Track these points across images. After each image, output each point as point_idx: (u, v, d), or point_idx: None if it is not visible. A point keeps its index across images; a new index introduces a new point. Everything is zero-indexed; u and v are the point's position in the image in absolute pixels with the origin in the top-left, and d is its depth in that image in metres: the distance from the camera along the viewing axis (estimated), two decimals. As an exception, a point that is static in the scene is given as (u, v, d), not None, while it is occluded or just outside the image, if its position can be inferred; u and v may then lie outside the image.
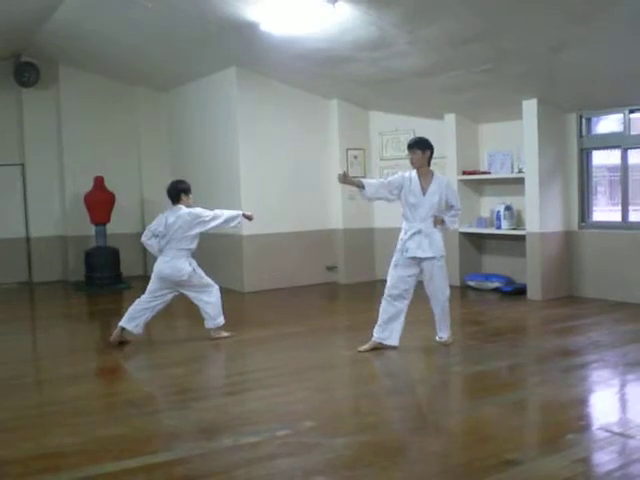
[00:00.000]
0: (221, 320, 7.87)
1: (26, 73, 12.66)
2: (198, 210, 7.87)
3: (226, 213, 8.03)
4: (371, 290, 11.40)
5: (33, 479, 4.14)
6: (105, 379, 6.84)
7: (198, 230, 7.83)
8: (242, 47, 9.92)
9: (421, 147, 6.98)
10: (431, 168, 7.16)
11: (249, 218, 8.18)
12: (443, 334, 7.16)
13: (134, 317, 7.62)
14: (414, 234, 6.95)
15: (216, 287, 7.93)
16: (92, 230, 12.69)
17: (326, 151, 12.06)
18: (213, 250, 12.30)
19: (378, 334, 7.05)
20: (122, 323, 7.61)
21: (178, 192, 7.88)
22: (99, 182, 12.53)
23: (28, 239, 13.25)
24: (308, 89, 11.67)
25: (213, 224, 7.90)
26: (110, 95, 13.41)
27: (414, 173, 7.04)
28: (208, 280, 7.94)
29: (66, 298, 11.71)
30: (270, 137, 11.51)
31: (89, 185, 12.49)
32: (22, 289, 12.75)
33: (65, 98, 13.07)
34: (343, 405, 5.71)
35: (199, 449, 4.54)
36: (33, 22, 10.46)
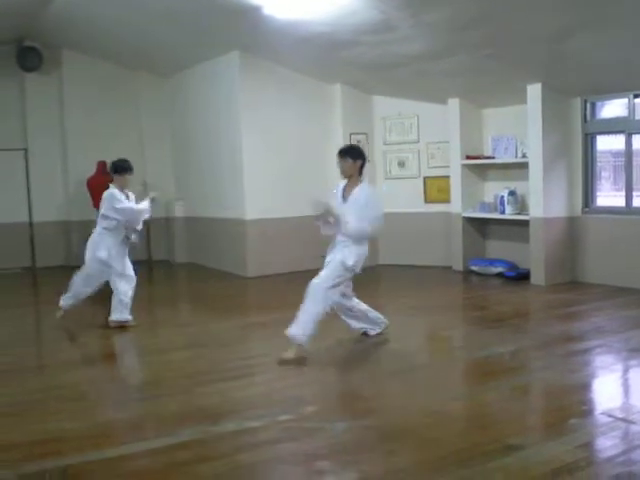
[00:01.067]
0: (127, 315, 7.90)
1: (29, 57, 12.63)
2: (113, 193, 7.96)
3: (135, 207, 8.07)
4: (374, 274, 11.39)
5: (35, 464, 4.15)
6: (107, 364, 6.83)
7: (107, 213, 7.93)
8: (245, 31, 9.88)
9: (353, 156, 6.65)
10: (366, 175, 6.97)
11: (153, 199, 8.30)
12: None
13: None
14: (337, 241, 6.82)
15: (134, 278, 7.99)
16: (95, 215, 12.65)
17: (329, 136, 12.01)
18: (216, 234, 12.33)
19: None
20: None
21: (111, 171, 8.03)
22: (102, 167, 12.50)
23: (31, 224, 13.23)
24: (311, 74, 11.63)
25: (120, 214, 7.94)
26: (113, 80, 13.37)
27: (344, 181, 6.79)
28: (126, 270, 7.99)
29: (68, 283, 11.71)
30: (273, 122, 11.47)
31: (92, 170, 12.47)
32: (25, 274, 12.76)
33: (68, 83, 13.03)
34: (345, 390, 5.72)
35: (202, 434, 4.55)
36: (36, 6, 10.41)
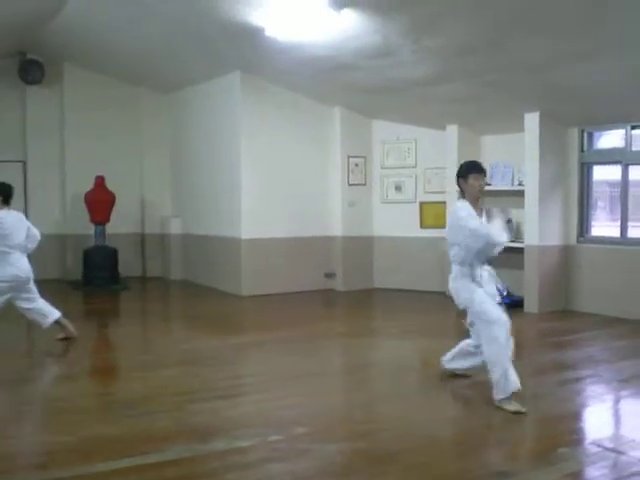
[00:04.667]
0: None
1: (31, 71, 12.69)
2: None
3: None
4: (369, 298, 11.44)
5: (21, 476, 4.14)
6: (99, 378, 6.83)
7: None
8: (247, 52, 9.95)
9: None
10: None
11: None
12: None
13: None
14: None
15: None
16: (91, 229, 12.71)
17: (327, 158, 12.07)
18: (212, 253, 12.35)
19: None
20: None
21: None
22: (100, 182, 12.55)
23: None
24: (311, 96, 11.69)
25: None
26: (113, 95, 13.43)
27: (467, 204, 5.76)
28: None
29: (63, 297, 11.69)
30: (272, 142, 11.52)
31: (90, 184, 12.51)
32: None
33: (69, 97, 13.09)
34: (336, 412, 5.71)
35: (191, 451, 4.54)
36: (39, 20, 10.48)
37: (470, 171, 5.74)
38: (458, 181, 5.84)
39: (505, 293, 5.72)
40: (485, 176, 5.90)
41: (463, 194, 5.87)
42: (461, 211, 5.65)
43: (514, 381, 5.40)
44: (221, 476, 4.18)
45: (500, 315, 5.54)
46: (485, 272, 5.78)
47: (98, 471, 4.21)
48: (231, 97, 11.48)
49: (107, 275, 12.37)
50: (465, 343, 6.21)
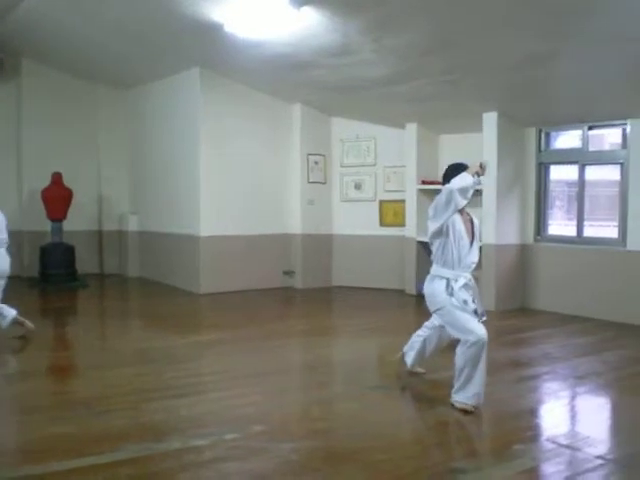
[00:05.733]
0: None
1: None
2: None
3: None
4: (327, 296, 11.45)
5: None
6: (55, 377, 6.73)
7: None
8: (206, 48, 9.89)
9: None
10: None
11: None
12: None
13: None
14: None
15: None
16: (48, 226, 12.53)
17: (287, 155, 12.06)
18: (170, 250, 12.26)
19: None
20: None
21: None
22: (57, 178, 12.38)
23: (-19, 233, 13.00)
24: (271, 93, 11.66)
25: None
26: (72, 91, 13.28)
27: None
28: None
29: (20, 294, 11.52)
30: (231, 139, 11.48)
31: (47, 180, 12.34)
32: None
33: (26, 92, 12.90)
34: (294, 410, 5.69)
35: (147, 450, 4.49)
36: (-3, 13, 10.31)
37: (457, 174, 5.40)
38: (444, 184, 5.52)
39: (484, 318, 5.55)
40: None
41: None
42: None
43: (475, 394, 5.36)
44: (177, 475, 4.14)
45: (475, 327, 5.34)
46: (462, 279, 5.52)
47: (52, 471, 4.15)
48: (190, 93, 11.40)
49: (64, 272, 12.21)
50: (416, 339, 6.22)
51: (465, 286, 5.51)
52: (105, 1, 8.84)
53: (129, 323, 9.47)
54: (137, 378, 6.41)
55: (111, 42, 10.52)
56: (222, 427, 4.95)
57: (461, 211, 5.50)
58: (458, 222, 5.50)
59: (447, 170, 5.61)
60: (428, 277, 5.75)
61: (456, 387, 5.46)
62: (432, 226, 5.50)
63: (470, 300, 5.47)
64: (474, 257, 5.59)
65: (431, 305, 5.73)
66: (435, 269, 5.64)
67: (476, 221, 5.70)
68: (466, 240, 5.52)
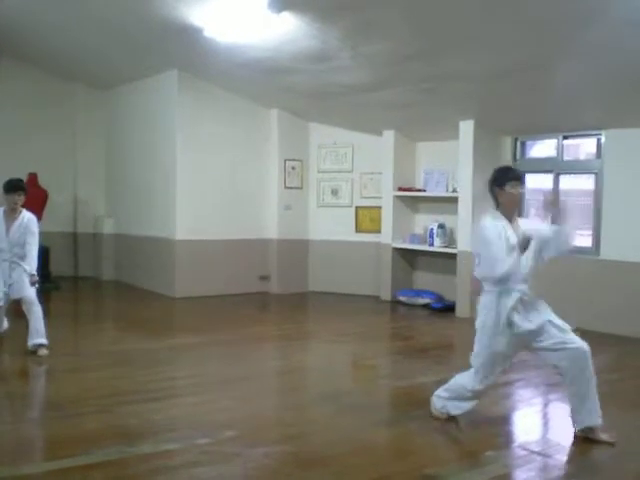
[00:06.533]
0: None
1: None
2: None
3: None
4: (303, 301, 11.45)
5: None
6: (27, 381, 6.69)
7: None
8: (185, 51, 9.86)
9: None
10: None
11: None
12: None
13: None
14: None
15: None
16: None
17: (264, 160, 12.05)
18: (145, 253, 12.20)
19: None
20: None
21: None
22: (32, 179, 12.27)
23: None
24: (249, 97, 11.65)
25: None
26: (49, 91, 13.16)
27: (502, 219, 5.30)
28: None
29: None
30: (208, 143, 11.45)
31: (21, 181, 12.23)
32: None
33: (2, 91, 12.77)
34: (266, 415, 5.69)
35: (118, 454, 4.47)
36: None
37: (508, 178, 5.10)
38: (492, 189, 5.24)
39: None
40: (523, 184, 5.39)
41: (497, 204, 5.29)
42: (487, 231, 5.25)
43: (460, 407, 5.33)
44: (149, 479, 4.13)
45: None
46: (517, 293, 5.47)
47: (22, 474, 4.13)
48: (168, 96, 11.37)
49: (38, 274, 12.08)
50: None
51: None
52: (84, 5, 8.80)
53: (103, 326, 9.43)
54: (110, 381, 6.38)
55: (91, 41, 10.41)
56: (194, 431, 4.94)
57: (512, 216, 5.32)
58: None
59: (496, 174, 5.26)
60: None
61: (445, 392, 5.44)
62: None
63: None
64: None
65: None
66: None
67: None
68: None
